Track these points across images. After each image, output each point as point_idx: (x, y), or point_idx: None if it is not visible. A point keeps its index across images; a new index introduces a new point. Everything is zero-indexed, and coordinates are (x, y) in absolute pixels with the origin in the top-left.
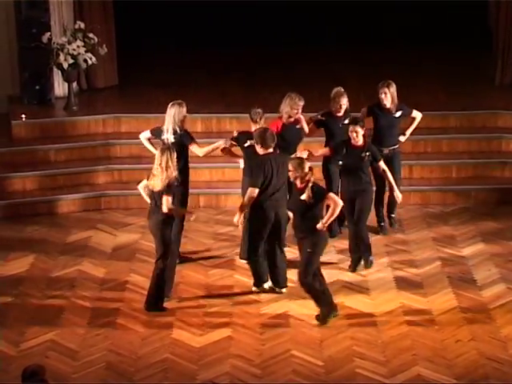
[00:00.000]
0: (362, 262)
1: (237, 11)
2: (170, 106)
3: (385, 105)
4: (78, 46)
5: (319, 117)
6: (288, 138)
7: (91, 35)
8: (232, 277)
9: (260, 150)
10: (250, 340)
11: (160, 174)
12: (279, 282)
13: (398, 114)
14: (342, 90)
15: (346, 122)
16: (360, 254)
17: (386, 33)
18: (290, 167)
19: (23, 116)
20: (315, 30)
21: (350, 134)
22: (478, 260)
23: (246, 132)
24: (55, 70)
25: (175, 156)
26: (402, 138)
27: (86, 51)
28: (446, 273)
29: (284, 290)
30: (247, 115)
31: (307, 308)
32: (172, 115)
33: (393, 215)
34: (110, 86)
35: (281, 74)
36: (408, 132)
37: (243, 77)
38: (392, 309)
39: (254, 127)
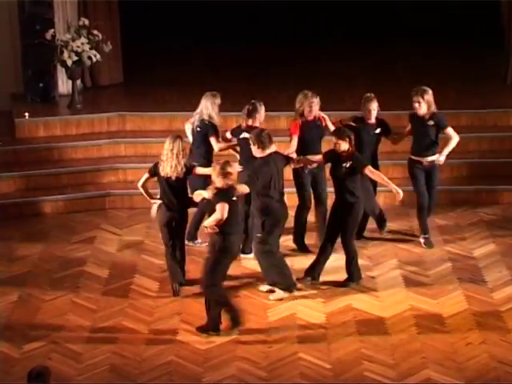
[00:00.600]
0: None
1: (242, 9)
2: (204, 96)
3: (419, 113)
4: (82, 43)
5: (351, 122)
6: (306, 137)
7: (96, 32)
8: (238, 278)
9: (257, 152)
10: (256, 342)
11: (170, 159)
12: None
13: (431, 122)
14: (372, 95)
15: (378, 131)
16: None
17: (396, 31)
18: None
19: (26, 114)
20: (323, 27)
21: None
22: (488, 261)
23: (239, 126)
24: (59, 67)
25: (182, 144)
26: (441, 158)
27: (90, 48)
28: (457, 274)
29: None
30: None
31: (315, 310)
32: (203, 105)
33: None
34: (115, 84)
35: (287, 72)
36: (444, 151)
37: (249, 75)
38: (401, 311)
39: (247, 122)
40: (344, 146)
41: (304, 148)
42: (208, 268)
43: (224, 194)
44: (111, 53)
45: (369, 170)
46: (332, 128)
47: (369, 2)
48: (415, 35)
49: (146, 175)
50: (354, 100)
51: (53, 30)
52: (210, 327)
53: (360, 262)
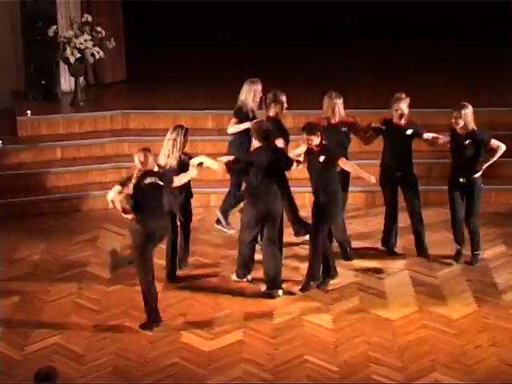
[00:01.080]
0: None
1: (247, 7)
2: (245, 82)
3: (457, 129)
4: (85, 40)
5: (378, 125)
6: (330, 141)
7: (99, 29)
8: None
9: (255, 143)
10: (261, 344)
11: (165, 148)
12: (266, 280)
13: (468, 141)
14: (399, 95)
15: (409, 132)
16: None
17: (404, 30)
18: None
19: (28, 112)
20: (330, 25)
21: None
22: (498, 263)
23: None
24: (61, 64)
25: (183, 138)
26: (483, 166)
27: (93, 45)
28: (466, 275)
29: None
30: (260, 111)
31: (321, 311)
32: (242, 92)
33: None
34: (119, 81)
35: (293, 70)
36: (484, 165)
37: (254, 73)
38: (409, 313)
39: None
40: (316, 140)
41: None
42: (134, 255)
43: (135, 183)
44: (114, 50)
45: (342, 161)
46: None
47: (377, 0)
48: (423, 34)
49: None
50: (360, 99)
51: (55, 27)
52: (151, 321)
53: (368, 262)
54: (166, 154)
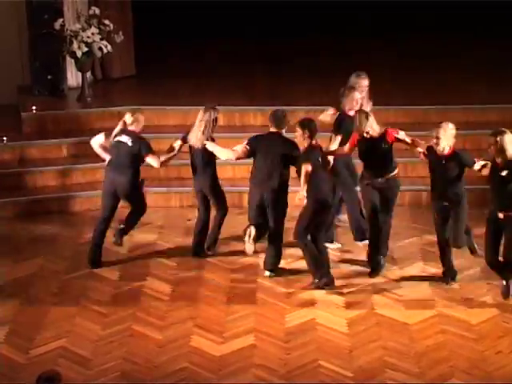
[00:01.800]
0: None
1: (258, 6)
2: None
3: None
4: (92, 34)
5: (423, 150)
6: (362, 155)
7: (107, 22)
8: (255, 281)
9: (271, 129)
10: (274, 349)
11: (197, 129)
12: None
13: (504, 172)
14: (443, 123)
15: (450, 162)
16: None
17: (414, 29)
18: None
19: (34, 108)
20: (344, 19)
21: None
22: None
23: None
24: (68, 58)
25: (212, 116)
26: None
27: (101, 39)
28: (486, 279)
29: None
30: (272, 108)
31: (336, 315)
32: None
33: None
34: (127, 76)
35: (305, 67)
36: None
37: (268, 68)
38: (427, 317)
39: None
40: (299, 137)
41: (365, 166)
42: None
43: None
44: (123, 44)
45: (304, 169)
46: (408, 140)
47: (390, 1)
48: (433, 33)
49: (179, 142)
50: (376, 96)
51: (62, 20)
52: None
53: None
54: (199, 136)
